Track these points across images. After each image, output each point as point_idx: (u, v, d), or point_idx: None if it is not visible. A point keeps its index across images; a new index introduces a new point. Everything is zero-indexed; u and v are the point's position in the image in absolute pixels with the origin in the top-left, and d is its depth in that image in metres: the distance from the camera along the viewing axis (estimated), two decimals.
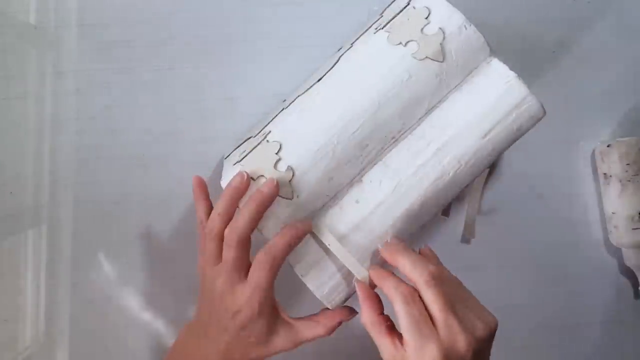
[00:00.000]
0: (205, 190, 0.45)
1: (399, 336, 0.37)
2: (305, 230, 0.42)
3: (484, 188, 0.54)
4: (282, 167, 0.42)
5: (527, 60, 0.53)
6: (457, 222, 0.54)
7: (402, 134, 0.44)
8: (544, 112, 0.43)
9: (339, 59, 0.44)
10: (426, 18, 0.42)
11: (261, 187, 0.41)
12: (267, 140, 0.43)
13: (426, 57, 0.42)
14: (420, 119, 0.44)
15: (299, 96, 0.44)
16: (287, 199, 0.42)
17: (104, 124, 0.52)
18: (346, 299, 0.44)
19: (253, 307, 0.41)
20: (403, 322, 0.36)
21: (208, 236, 0.42)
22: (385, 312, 0.40)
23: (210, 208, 0.44)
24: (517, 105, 0.42)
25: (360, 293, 0.41)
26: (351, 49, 0.44)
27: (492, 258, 0.54)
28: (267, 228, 0.43)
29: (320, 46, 0.50)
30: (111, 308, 0.52)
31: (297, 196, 0.42)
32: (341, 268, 0.43)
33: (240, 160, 0.43)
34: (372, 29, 0.44)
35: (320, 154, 0.42)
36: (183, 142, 0.52)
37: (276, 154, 0.42)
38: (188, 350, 0.44)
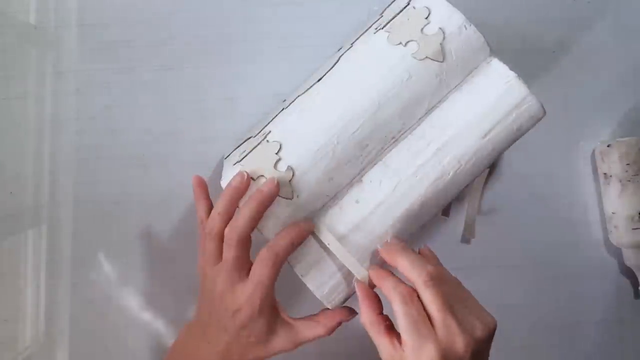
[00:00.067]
0: (205, 190, 0.45)
1: (398, 336, 0.37)
2: (308, 230, 0.42)
3: (484, 188, 0.54)
4: (282, 167, 0.42)
5: (527, 60, 0.53)
6: (457, 222, 0.54)
7: (402, 134, 0.44)
8: (544, 112, 0.43)
9: (339, 59, 0.44)
10: (426, 18, 0.42)
11: (261, 186, 0.41)
12: (267, 140, 0.43)
13: (426, 57, 0.42)
14: (420, 119, 0.44)
15: (299, 96, 0.44)
16: (287, 199, 0.42)
17: (104, 124, 0.52)
18: (346, 299, 0.44)
19: (254, 305, 0.40)
20: (401, 322, 0.36)
21: (208, 236, 0.42)
22: (385, 312, 0.40)
23: (210, 208, 0.44)
24: (517, 105, 0.42)
25: (359, 293, 0.41)
26: (351, 49, 0.44)
27: (492, 258, 0.54)
28: (267, 228, 0.43)
29: (320, 46, 0.50)
30: (111, 308, 0.52)
31: (297, 196, 0.42)
32: (341, 268, 0.43)
33: (240, 160, 0.43)
34: (372, 29, 0.44)
35: (320, 154, 0.42)
36: (183, 142, 0.52)
37: (276, 154, 0.42)
38: (188, 350, 0.44)
